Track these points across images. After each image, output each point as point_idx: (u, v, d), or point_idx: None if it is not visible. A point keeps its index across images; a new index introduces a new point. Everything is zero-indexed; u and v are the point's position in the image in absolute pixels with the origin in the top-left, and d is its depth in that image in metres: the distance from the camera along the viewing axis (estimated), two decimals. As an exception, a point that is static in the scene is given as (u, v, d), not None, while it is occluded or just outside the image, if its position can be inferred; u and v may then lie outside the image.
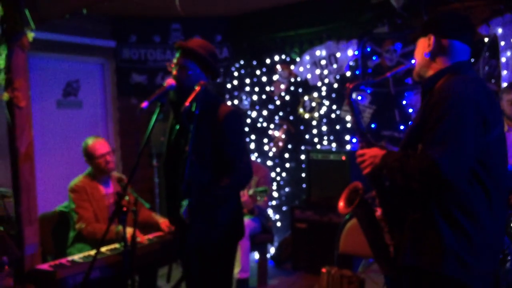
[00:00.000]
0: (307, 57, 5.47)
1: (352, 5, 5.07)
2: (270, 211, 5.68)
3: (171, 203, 2.71)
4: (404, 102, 4.83)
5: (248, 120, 5.92)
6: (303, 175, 5.39)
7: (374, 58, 5.03)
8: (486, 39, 4.33)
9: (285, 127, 5.75)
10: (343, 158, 4.78)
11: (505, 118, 3.67)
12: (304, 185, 5.34)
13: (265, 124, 5.86)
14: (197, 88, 2.39)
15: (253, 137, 5.91)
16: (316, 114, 5.49)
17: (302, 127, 5.61)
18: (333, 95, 5.34)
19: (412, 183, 1.85)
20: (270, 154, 5.83)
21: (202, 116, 2.55)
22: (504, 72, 4.29)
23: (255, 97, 5.89)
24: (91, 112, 5.73)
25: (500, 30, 4.28)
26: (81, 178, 3.51)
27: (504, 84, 4.19)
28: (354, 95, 5.09)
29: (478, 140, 1.80)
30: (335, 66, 5.29)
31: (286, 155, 5.74)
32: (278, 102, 5.77)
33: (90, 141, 3.54)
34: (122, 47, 5.77)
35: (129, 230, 2.75)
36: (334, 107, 5.34)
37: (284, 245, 5.35)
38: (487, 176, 1.85)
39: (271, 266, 5.22)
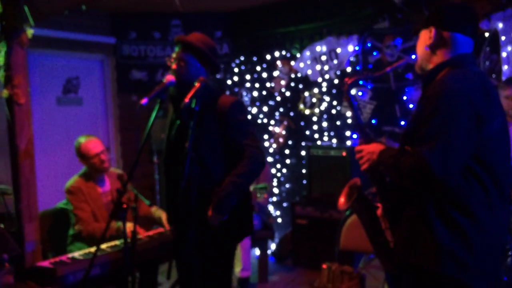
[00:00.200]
0: (307, 53, 5.45)
1: (353, 0, 5.06)
2: (270, 208, 5.68)
3: (170, 201, 2.70)
4: (404, 98, 4.82)
5: (249, 116, 5.90)
6: (304, 171, 5.38)
7: (374, 53, 5.02)
8: (486, 34, 4.31)
9: (285, 123, 5.74)
10: (344, 154, 4.77)
11: None
12: (304, 181, 5.34)
13: (265, 120, 5.85)
14: (197, 84, 2.39)
15: (253, 133, 5.90)
16: (316, 110, 5.48)
17: (302, 123, 5.60)
18: (334, 91, 5.33)
19: (405, 180, 1.83)
20: (271, 150, 5.82)
21: (206, 111, 2.56)
22: (505, 67, 4.27)
23: (255, 93, 5.88)
24: (91, 109, 5.73)
25: (500, 25, 4.27)
26: (76, 178, 3.48)
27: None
28: (354, 91, 5.12)
29: (472, 136, 1.76)
30: (335, 61, 5.27)
31: (287, 151, 5.74)
32: (278, 98, 5.76)
33: (83, 140, 3.49)
34: (122, 43, 5.76)
35: (129, 226, 2.75)
36: (334, 103, 5.33)
37: (284, 242, 5.35)
38: (484, 172, 1.81)
39: (272, 262, 5.23)
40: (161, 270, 3.63)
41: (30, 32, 3.11)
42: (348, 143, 5.17)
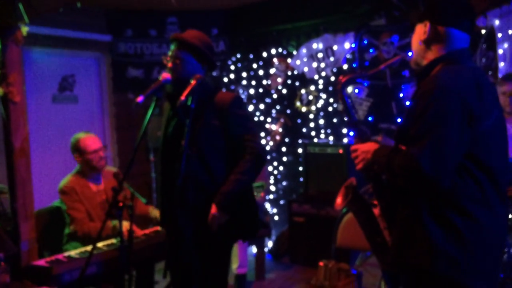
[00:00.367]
0: (304, 50, 5.45)
1: (349, -3, 5.06)
2: (267, 205, 5.67)
3: (166, 199, 2.68)
4: (401, 95, 4.82)
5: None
6: (300, 168, 5.38)
7: (371, 50, 5.01)
8: (483, 31, 4.31)
9: (282, 120, 5.73)
10: (340, 151, 4.77)
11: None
12: (301, 179, 5.34)
13: (262, 118, 5.84)
14: (193, 81, 2.38)
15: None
16: (313, 108, 5.48)
17: (299, 121, 5.60)
18: (330, 88, 5.33)
19: (397, 179, 1.80)
20: (267, 148, 5.81)
21: (205, 108, 2.55)
22: (501, 64, 4.27)
23: (252, 91, 5.87)
24: (87, 107, 5.70)
25: (497, 22, 4.27)
26: (70, 177, 3.44)
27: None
28: (351, 88, 5.12)
29: (465, 134, 1.72)
30: (332, 59, 5.27)
31: (283, 149, 5.73)
32: (275, 96, 5.75)
33: (82, 135, 3.46)
34: (117, 41, 5.73)
35: (125, 225, 2.74)
36: (331, 100, 5.33)
37: (281, 239, 5.35)
38: (480, 171, 1.77)
39: (269, 260, 5.22)
40: (158, 268, 3.62)
41: (25, 29, 3.09)
42: (345, 140, 5.17)
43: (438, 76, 1.80)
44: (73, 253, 3.03)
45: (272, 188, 5.76)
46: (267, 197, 5.09)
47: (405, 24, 4.68)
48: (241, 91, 5.92)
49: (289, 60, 5.58)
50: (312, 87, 5.46)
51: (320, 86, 5.39)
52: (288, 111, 5.68)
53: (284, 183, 5.77)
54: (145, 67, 5.82)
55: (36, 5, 3.16)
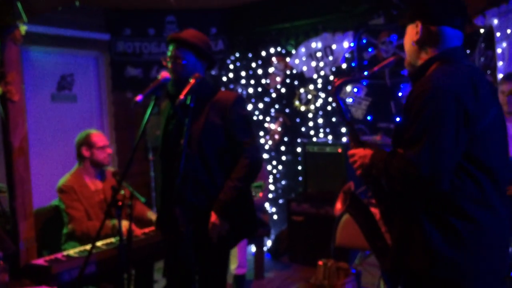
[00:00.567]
0: (302, 49, 5.45)
1: (348, -4, 5.06)
2: (266, 204, 5.67)
3: (165, 198, 2.68)
4: (400, 94, 4.83)
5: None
6: (299, 168, 5.38)
7: (370, 49, 5.02)
8: (481, 30, 4.32)
9: (281, 119, 5.73)
10: (339, 150, 4.77)
11: None
12: (300, 178, 5.34)
13: (261, 117, 5.84)
14: (192, 80, 2.38)
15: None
16: (312, 107, 5.48)
17: (298, 120, 5.60)
18: (329, 87, 5.33)
19: (395, 184, 1.77)
20: (266, 147, 5.81)
21: (207, 107, 2.55)
22: (500, 63, 4.28)
23: (250, 90, 5.87)
24: (85, 106, 5.70)
25: (496, 21, 4.27)
26: (68, 177, 3.43)
27: (500, 75, 4.19)
28: (350, 88, 5.11)
29: (461, 135, 1.68)
30: (330, 58, 5.27)
31: (282, 148, 5.73)
32: (273, 95, 5.75)
33: (93, 131, 3.52)
34: (116, 40, 5.72)
35: (124, 224, 2.73)
36: (330, 99, 5.33)
37: (280, 238, 5.35)
38: (479, 170, 1.74)
39: (268, 259, 5.23)
40: (157, 267, 3.62)
41: (23, 28, 3.08)
42: (344, 139, 5.17)
43: (433, 76, 1.77)
44: (72, 252, 3.03)
45: (271, 187, 5.76)
46: (267, 197, 5.09)
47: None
48: (240, 90, 5.92)
49: (288, 59, 5.58)
50: (311, 86, 5.46)
51: (319, 85, 5.39)
52: (287, 110, 5.68)
53: (283, 182, 5.77)
54: (144, 66, 5.82)
55: (34, 4, 3.15)
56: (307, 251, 4.87)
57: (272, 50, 5.67)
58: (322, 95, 5.38)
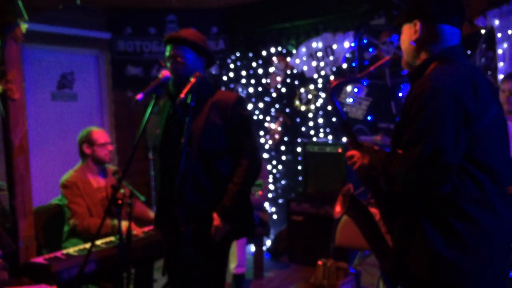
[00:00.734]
0: (303, 49, 5.44)
1: (349, -4, 5.06)
2: (266, 204, 5.67)
3: (165, 197, 2.68)
4: (400, 94, 4.82)
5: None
6: (299, 167, 5.38)
7: (370, 50, 5.02)
8: (483, 31, 4.32)
9: (281, 119, 5.73)
10: (339, 150, 4.77)
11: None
12: (300, 178, 5.34)
13: (261, 117, 5.84)
14: (192, 79, 2.38)
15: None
16: (312, 107, 5.48)
17: (298, 120, 5.60)
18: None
19: (395, 185, 1.75)
20: (266, 146, 5.81)
21: (208, 105, 2.55)
22: (501, 64, 4.28)
23: (251, 90, 5.87)
24: (86, 105, 5.69)
25: (497, 22, 4.27)
26: (72, 173, 3.45)
27: (501, 76, 4.19)
28: (350, 88, 5.11)
29: (462, 136, 1.66)
30: (331, 58, 5.27)
31: (282, 148, 5.73)
32: (274, 95, 5.75)
33: (94, 128, 3.56)
34: (117, 39, 5.72)
35: (124, 224, 2.73)
36: (330, 99, 5.32)
37: (280, 238, 5.35)
38: (480, 171, 1.71)
39: (267, 258, 5.22)
40: (157, 266, 3.62)
41: (24, 26, 3.08)
42: (344, 139, 5.17)
43: (432, 76, 1.74)
44: (71, 250, 3.03)
45: (271, 187, 5.76)
46: (267, 196, 5.09)
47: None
48: (240, 89, 5.92)
49: (288, 59, 5.58)
50: (312, 86, 5.46)
51: (320, 85, 5.39)
52: (287, 110, 5.68)
53: (283, 182, 5.77)
54: (144, 65, 5.82)
55: (35, 2, 3.15)
56: (307, 251, 4.86)
57: (272, 50, 5.67)
58: (323, 95, 5.38)
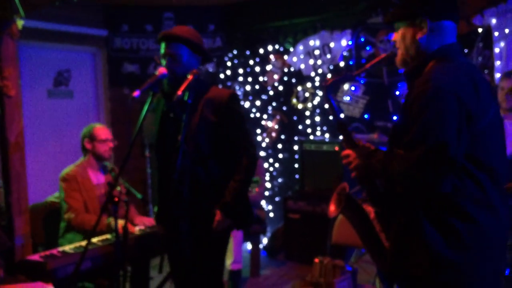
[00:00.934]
0: (300, 47, 5.44)
1: (346, -6, 5.06)
2: (263, 202, 5.67)
3: (163, 194, 2.68)
4: (397, 93, 4.83)
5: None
6: (296, 165, 5.38)
7: (368, 48, 5.02)
8: (480, 30, 4.32)
9: (278, 117, 5.73)
10: (336, 148, 4.78)
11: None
12: (297, 176, 5.34)
13: (258, 115, 5.83)
14: (190, 76, 2.37)
15: (246, 127, 5.89)
16: (309, 105, 5.48)
17: (295, 118, 5.60)
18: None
19: (396, 186, 1.74)
20: (263, 144, 5.81)
21: (202, 103, 2.55)
22: (498, 63, 4.28)
23: (248, 87, 5.86)
24: (82, 102, 5.68)
25: (494, 21, 4.28)
26: (73, 167, 3.47)
27: (498, 75, 4.19)
28: (347, 86, 5.11)
29: (463, 136, 1.65)
30: (328, 56, 5.27)
31: (279, 146, 5.73)
32: (271, 93, 5.75)
33: (97, 125, 3.59)
34: (114, 36, 5.70)
35: (120, 222, 2.73)
36: (327, 97, 5.32)
37: (276, 236, 5.35)
38: (479, 170, 1.71)
39: (264, 256, 5.23)
40: (153, 264, 3.62)
41: (20, 23, 3.06)
42: (341, 137, 5.17)
43: (433, 75, 1.71)
44: (67, 248, 3.02)
45: (268, 185, 5.76)
46: (264, 193, 5.08)
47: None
48: (237, 87, 5.91)
49: (285, 57, 5.57)
50: (309, 84, 5.46)
51: (317, 83, 5.39)
52: (284, 108, 5.67)
53: (279, 180, 5.77)
54: (141, 62, 5.80)
55: (32, -2, 3.14)
56: (303, 248, 4.87)
57: (270, 48, 5.67)
58: (320, 93, 5.37)
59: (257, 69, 5.78)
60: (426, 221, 1.73)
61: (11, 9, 3.01)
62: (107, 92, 5.79)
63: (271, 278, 4.67)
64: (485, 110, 1.73)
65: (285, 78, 5.63)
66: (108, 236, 3.18)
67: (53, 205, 3.55)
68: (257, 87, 5.82)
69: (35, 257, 2.88)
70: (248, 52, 5.83)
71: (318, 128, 5.42)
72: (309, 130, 5.48)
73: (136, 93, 2.25)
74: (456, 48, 1.85)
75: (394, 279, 1.91)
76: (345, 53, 5.16)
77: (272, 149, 5.78)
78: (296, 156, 5.39)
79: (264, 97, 5.80)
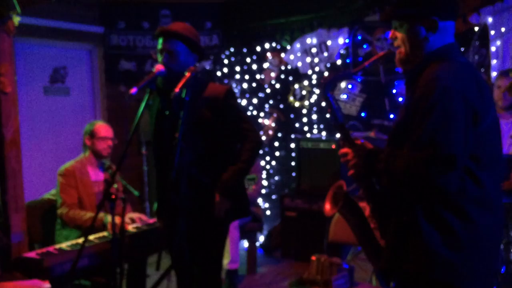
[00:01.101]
0: (297, 45, 5.44)
1: (344, -8, 5.06)
2: (259, 200, 5.67)
3: (161, 191, 2.68)
4: (394, 91, 4.84)
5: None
6: (293, 163, 5.38)
7: (364, 46, 5.02)
8: (476, 28, 4.33)
9: (275, 115, 5.73)
10: (333, 146, 4.78)
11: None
12: (294, 174, 5.34)
13: (255, 112, 5.83)
14: (187, 74, 2.37)
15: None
16: (306, 103, 5.48)
17: (292, 116, 5.60)
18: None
19: (400, 186, 1.74)
20: (260, 142, 5.80)
21: (197, 100, 2.55)
22: (494, 61, 4.30)
23: (245, 85, 5.86)
24: (78, 99, 5.66)
25: (490, 19, 4.29)
26: (73, 162, 3.48)
27: (494, 73, 4.21)
28: (344, 84, 5.11)
29: (469, 136, 1.65)
30: (325, 54, 5.27)
31: (276, 144, 5.73)
32: (268, 90, 5.74)
33: (99, 122, 3.62)
34: (110, 33, 5.69)
35: (116, 219, 2.72)
36: (324, 95, 5.33)
37: (273, 234, 5.36)
38: (480, 169, 1.70)
39: (260, 254, 5.23)
40: (150, 261, 3.61)
41: (16, 19, 3.05)
42: (338, 135, 5.18)
43: (437, 75, 1.69)
44: (64, 245, 3.01)
45: (265, 182, 5.76)
46: (260, 191, 5.08)
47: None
48: (234, 85, 5.90)
49: (282, 55, 5.57)
50: (306, 82, 5.46)
51: (314, 81, 5.39)
52: (281, 106, 5.67)
53: (276, 177, 5.78)
54: (138, 59, 5.78)
55: (28, -5, 3.12)
56: (300, 246, 4.88)
57: (267, 46, 5.66)
58: (317, 91, 5.38)
59: (254, 67, 5.77)
60: (424, 219, 1.72)
61: (8, 6, 3.00)
62: (103, 89, 5.76)
63: (267, 275, 4.68)
64: (488, 110, 1.73)
65: (282, 76, 5.63)
66: (105, 233, 3.17)
67: (50, 202, 3.54)
68: (254, 85, 5.82)
69: (32, 254, 2.87)
70: (245, 50, 5.82)
71: (315, 126, 5.43)
72: (306, 128, 5.48)
73: (133, 90, 2.24)
74: (455, 47, 1.85)
75: (390, 276, 1.90)
76: (342, 51, 5.16)
77: (268, 147, 5.78)
78: (293, 154, 5.39)
79: (261, 95, 5.80)
